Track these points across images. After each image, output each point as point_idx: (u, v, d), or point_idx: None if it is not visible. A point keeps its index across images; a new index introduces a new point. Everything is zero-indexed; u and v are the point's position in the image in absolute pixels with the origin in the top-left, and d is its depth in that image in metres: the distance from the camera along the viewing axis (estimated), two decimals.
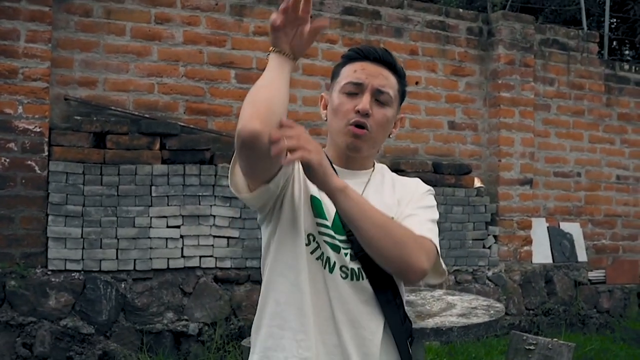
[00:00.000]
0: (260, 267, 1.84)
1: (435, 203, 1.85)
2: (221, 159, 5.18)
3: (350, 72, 1.74)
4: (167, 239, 5.03)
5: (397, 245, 1.59)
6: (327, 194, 1.57)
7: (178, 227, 5.06)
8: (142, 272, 4.99)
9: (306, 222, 1.71)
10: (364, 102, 1.71)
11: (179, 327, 5.07)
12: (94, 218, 4.89)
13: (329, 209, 1.70)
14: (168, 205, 5.03)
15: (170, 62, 5.35)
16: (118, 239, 4.93)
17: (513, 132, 6.41)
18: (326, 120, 1.82)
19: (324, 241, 1.70)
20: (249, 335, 1.89)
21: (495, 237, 6.32)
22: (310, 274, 1.69)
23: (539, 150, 6.68)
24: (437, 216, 1.82)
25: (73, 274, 4.85)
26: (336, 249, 1.69)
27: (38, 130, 4.79)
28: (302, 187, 1.73)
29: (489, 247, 6.29)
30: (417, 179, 1.91)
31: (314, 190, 1.71)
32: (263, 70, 5.28)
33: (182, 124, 5.23)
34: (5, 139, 4.71)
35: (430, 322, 3.48)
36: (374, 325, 1.70)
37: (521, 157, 6.45)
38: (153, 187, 4.97)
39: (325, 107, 1.84)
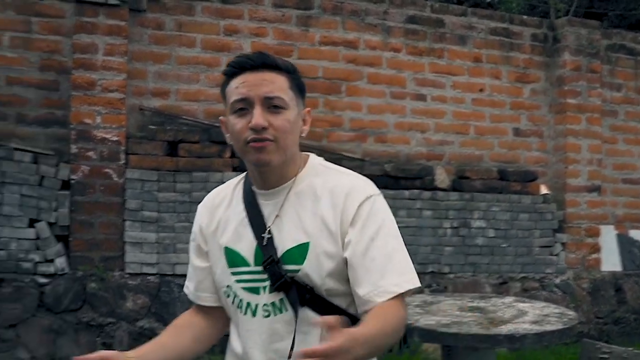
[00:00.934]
0: None
1: (383, 206, 1.67)
2: None
3: (233, 90, 1.60)
4: None
5: (396, 339, 1.58)
6: None
7: None
8: None
9: (223, 276, 1.70)
10: (256, 116, 1.56)
11: None
12: (168, 224, 5.06)
13: (247, 251, 1.66)
14: None
15: None
16: None
17: (580, 139, 6.34)
18: (231, 143, 1.69)
19: (242, 288, 1.66)
20: None
21: (562, 244, 6.25)
22: (237, 322, 1.71)
23: (606, 157, 6.58)
24: (392, 226, 1.66)
25: (149, 277, 5.03)
26: (255, 290, 1.65)
27: (115, 139, 4.99)
28: (212, 249, 1.74)
29: (557, 255, 6.22)
30: (350, 181, 1.67)
31: (226, 240, 1.70)
32: (329, 79, 5.38)
33: None
34: (85, 148, 4.93)
35: (504, 329, 3.49)
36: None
37: (588, 163, 6.36)
38: None
39: (228, 131, 1.70)
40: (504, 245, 6.04)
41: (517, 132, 6.37)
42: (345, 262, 1.59)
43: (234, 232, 1.69)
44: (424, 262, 5.76)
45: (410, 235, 5.68)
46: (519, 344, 3.43)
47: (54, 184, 4.85)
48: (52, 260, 4.83)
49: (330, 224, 1.60)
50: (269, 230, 1.64)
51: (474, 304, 4.16)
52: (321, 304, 1.61)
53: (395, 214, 5.56)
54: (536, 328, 3.51)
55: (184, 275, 5.30)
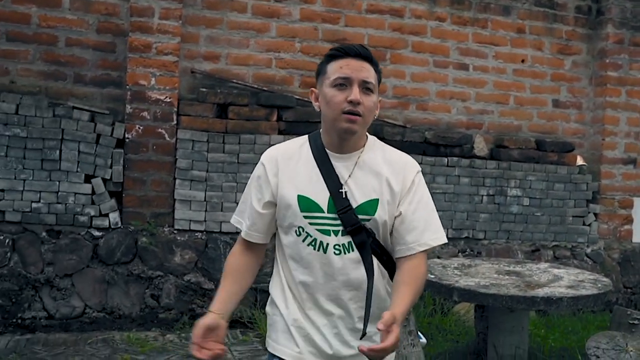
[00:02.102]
0: None
1: (423, 180, 2.13)
2: None
3: (337, 69, 1.99)
4: None
5: (421, 291, 2.05)
6: None
7: None
8: None
9: (294, 218, 2.05)
10: (355, 93, 1.96)
11: None
12: (216, 183, 5.28)
13: (321, 200, 2.03)
14: None
15: (287, 38, 5.65)
16: (237, 203, 5.29)
17: (619, 112, 6.41)
18: (319, 111, 2.08)
19: (316, 229, 2.03)
20: None
21: (595, 215, 6.37)
22: (305, 256, 2.06)
23: None
24: (429, 196, 2.12)
25: (196, 234, 5.27)
26: (327, 232, 2.03)
27: (168, 100, 5.20)
28: (282, 196, 2.06)
29: (589, 225, 6.35)
30: (405, 157, 2.14)
31: (300, 189, 2.05)
32: (374, 46, 5.51)
33: (297, 97, 5.54)
34: (140, 108, 5.15)
35: (541, 292, 3.67)
36: (362, 285, 2.03)
37: (626, 136, 6.44)
38: None
39: (317, 100, 2.10)
40: (538, 214, 6.18)
41: (557, 104, 6.45)
42: (394, 218, 2.06)
43: (307, 183, 2.05)
44: (459, 228, 5.93)
45: (447, 202, 5.85)
46: (555, 307, 3.61)
47: (110, 142, 5.08)
48: (106, 215, 5.09)
49: (394, 186, 2.05)
50: (344, 186, 2.04)
51: (511, 268, 4.35)
52: (377, 249, 2.06)
53: (433, 180, 5.93)
54: (572, 292, 3.69)
55: (230, 233, 5.51)
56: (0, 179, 4.87)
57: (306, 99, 5.57)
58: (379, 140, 2.17)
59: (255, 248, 2.17)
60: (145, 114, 5.15)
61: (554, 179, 6.20)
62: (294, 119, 5.44)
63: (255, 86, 5.49)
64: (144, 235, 5.16)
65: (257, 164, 2.16)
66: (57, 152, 4.97)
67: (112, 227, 5.10)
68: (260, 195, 2.11)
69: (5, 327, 4.85)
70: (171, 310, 5.19)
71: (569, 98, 6.49)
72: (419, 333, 4.59)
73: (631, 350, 3.44)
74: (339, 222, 2.02)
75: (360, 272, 2.03)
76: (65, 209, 5.00)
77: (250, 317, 5.23)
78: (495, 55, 6.22)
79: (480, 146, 6.03)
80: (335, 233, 2.03)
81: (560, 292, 3.68)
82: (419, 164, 5.85)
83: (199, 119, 5.27)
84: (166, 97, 5.18)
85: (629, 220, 6.51)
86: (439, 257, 5.45)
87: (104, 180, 5.09)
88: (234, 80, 5.46)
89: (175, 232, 5.25)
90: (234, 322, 5.24)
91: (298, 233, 2.05)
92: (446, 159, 5.86)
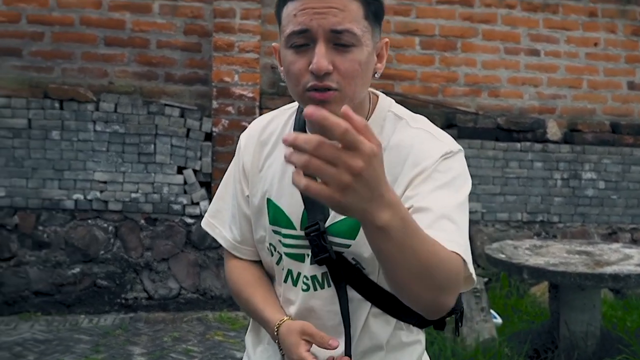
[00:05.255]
0: None
1: (460, 168, 1.28)
2: None
3: (290, 17, 1.21)
4: None
5: (434, 291, 1.09)
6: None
7: None
8: None
9: (265, 230, 1.40)
10: (318, 58, 1.18)
11: None
12: None
13: (294, 211, 1.33)
14: None
15: None
16: None
17: None
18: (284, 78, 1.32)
19: (285, 253, 1.36)
20: None
21: None
22: (279, 283, 1.43)
23: None
24: (464, 194, 1.25)
25: None
26: (299, 257, 1.35)
27: (251, 95, 5.55)
28: (254, 195, 1.43)
29: None
30: (420, 135, 1.32)
31: (270, 191, 1.38)
32: (445, 36, 5.73)
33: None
34: (225, 104, 5.52)
35: (609, 270, 3.80)
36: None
37: None
38: None
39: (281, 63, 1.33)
40: (614, 197, 6.22)
41: (632, 86, 6.44)
42: None
43: (278, 183, 1.36)
44: (533, 212, 6.05)
45: (521, 186, 5.98)
46: (623, 284, 3.74)
47: (199, 135, 5.49)
48: (197, 203, 5.51)
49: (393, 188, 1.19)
50: None
51: (582, 248, 4.48)
52: (368, 286, 1.31)
53: (507, 165, 6.15)
54: None
55: None
56: (103, 172, 5.36)
57: (381, 90, 5.81)
58: (395, 109, 1.39)
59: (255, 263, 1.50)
60: (230, 108, 5.53)
61: (630, 161, 6.21)
62: None
63: None
64: None
65: None
66: (152, 146, 5.41)
67: (203, 214, 5.48)
68: (242, 193, 1.46)
69: (111, 307, 5.35)
70: None
71: None
72: (495, 313, 4.79)
73: None
74: (305, 241, 1.32)
75: (338, 319, 1.33)
76: (160, 199, 5.45)
77: None
78: (567, 40, 6.28)
79: (554, 130, 6.12)
80: (307, 254, 1.34)
81: (628, 269, 3.80)
82: (491, 149, 5.95)
83: None
84: (249, 92, 5.54)
85: None
86: (511, 240, 5.60)
87: (195, 171, 5.49)
88: None
89: None
90: None
91: (271, 253, 1.41)
92: (519, 144, 5.98)
